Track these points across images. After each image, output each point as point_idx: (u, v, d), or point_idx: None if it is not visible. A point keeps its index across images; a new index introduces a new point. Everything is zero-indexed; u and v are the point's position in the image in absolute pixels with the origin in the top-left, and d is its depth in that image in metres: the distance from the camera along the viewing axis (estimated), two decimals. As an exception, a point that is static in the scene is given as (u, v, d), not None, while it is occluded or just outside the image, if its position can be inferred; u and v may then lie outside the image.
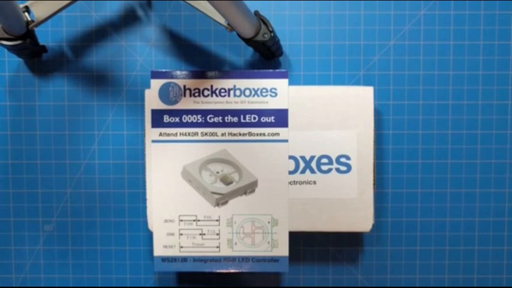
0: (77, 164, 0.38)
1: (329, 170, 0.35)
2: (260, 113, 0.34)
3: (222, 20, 0.33)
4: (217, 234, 0.34)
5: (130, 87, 0.38)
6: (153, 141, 0.34)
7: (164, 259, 0.34)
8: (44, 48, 0.37)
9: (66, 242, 0.39)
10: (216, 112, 0.34)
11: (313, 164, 0.35)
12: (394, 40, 0.38)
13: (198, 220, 0.34)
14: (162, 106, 0.34)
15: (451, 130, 0.38)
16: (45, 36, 0.38)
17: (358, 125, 0.35)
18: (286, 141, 0.34)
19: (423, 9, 0.38)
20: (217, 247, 0.34)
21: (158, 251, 0.34)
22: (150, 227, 0.35)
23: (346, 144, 0.35)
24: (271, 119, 0.34)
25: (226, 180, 0.34)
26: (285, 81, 0.34)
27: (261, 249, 0.34)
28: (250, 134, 0.34)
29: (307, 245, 0.39)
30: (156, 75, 0.34)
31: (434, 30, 0.38)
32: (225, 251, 0.34)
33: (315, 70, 0.38)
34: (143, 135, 0.36)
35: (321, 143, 0.35)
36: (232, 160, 0.34)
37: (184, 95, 0.34)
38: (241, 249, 0.34)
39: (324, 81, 0.38)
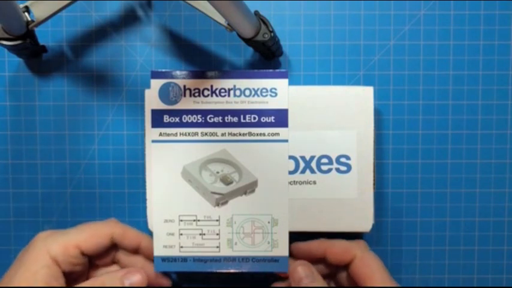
0: (77, 164, 0.38)
1: (329, 170, 0.35)
2: (260, 113, 0.34)
3: (222, 20, 0.33)
4: (217, 234, 0.34)
5: (130, 87, 0.38)
6: (153, 141, 0.34)
7: (164, 259, 0.34)
8: (44, 48, 0.37)
9: (66, 242, 0.39)
10: (216, 112, 0.34)
11: (313, 164, 0.35)
12: (394, 40, 0.38)
13: (198, 220, 0.34)
14: (162, 106, 0.34)
15: (451, 130, 0.38)
16: (45, 36, 0.38)
17: (358, 125, 0.35)
18: (286, 141, 0.34)
19: (423, 9, 0.38)
20: (217, 247, 0.34)
21: (158, 251, 0.34)
22: (150, 227, 0.35)
23: (346, 144, 0.35)
24: (271, 119, 0.34)
25: (226, 180, 0.34)
26: (285, 81, 0.34)
27: (261, 249, 0.34)
28: (250, 134, 0.34)
29: (307, 245, 0.38)
30: (156, 75, 0.34)
31: (434, 30, 0.38)
32: (225, 251, 0.34)
33: (315, 70, 0.38)
34: (143, 135, 0.36)
35: (321, 143, 0.35)
36: (232, 160, 0.34)
37: (184, 95, 0.34)
38: (241, 249, 0.34)
39: (324, 81, 0.38)
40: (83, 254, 0.32)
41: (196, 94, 0.34)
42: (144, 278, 0.33)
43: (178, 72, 0.34)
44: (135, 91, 0.38)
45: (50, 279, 0.30)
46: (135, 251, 0.34)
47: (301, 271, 0.32)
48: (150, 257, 0.34)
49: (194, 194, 0.34)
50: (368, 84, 0.37)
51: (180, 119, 0.34)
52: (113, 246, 0.34)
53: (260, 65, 0.38)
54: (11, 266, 0.32)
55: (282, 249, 0.34)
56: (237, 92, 0.34)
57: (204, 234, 0.34)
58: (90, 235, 0.32)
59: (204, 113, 0.34)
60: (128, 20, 0.38)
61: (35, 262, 0.31)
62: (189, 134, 0.34)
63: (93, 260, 0.34)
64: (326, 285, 0.32)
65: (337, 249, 0.33)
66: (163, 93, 0.34)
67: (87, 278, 0.35)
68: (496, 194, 0.38)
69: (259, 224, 0.34)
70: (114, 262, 0.35)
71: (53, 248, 0.31)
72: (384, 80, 0.38)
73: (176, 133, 0.34)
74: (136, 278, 0.32)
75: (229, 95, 0.34)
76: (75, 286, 0.31)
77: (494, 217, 0.39)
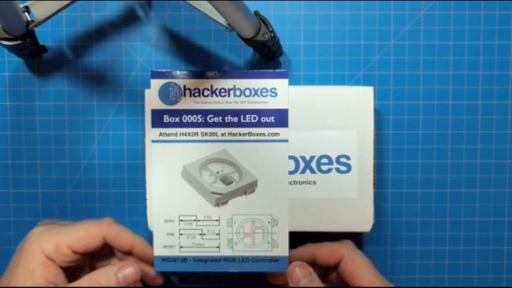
0: (77, 164, 0.38)
1: (329, 170, 0.35)
2: (260, 113, 0.34)
3: (222, 20, 0.33)
4: (217, 234, 0.34)
5: (130, 87, 0.38)
6: (153, 141, 0.34)
7: (164, 259, 0.34)
8: (44, 48, 0.37)
9: (66, 242, 0.39)
10: (216, 112, 0.34)
11: (313, 164, 0.35)
12: (394, 40, 0.38)
13: (198, 220, 0.34)
14: (162, 106, 0.34)
15: (451, 130, 0.38)
16: (45, 36, 0.38)
17: (358, 125, 0.35)
18: (286, 141, 0.34)
19: (423, 9, 0.38)
20: (217, 247, 0.34)
21: (158, 251, 0.34)
22: (150, 227, 0.35)
23: (346, 144, 0.35)
24: (271, 119, 0.34)
25: (226, 180, 0.34)
26: (285, 81, 0.34)
27: (261, 249, 0.34)
28: (250, 134, 0.34)
29: (307, 245, 0.38)
30: (156, 75, 0.34)
31: (434, 30, 0.38)
32: (225, 251, 0.34)
33: (315, 70, 0.38)
34: (143, 135, 0.36)
35: (321, 143, 0.35)
36: (232, 160, 0.34)
37: (184, 95, 0.34)
38: (241, 249, 0.34)
39: (324, 81, 0.38)
40: (75, 252, 0.32)
41: (196, 94, 0.34)
42: (137, 270, 0.33)
43: (178, 72, 0.34)
44: (135, 91, 0.38)
45: (48, 275, 0.31)
46: (128, 253, 0.34)
47: (299, 272, 0.33)
48: (142, 260, 0.34)
49: (194, 194, 0.34)
50: (368, 84, 0.37)
51: (180, 119, 0.34)
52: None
53: (260, 65, 0.38)
54: (9, 262, 0.32)
55: (282, 249, 0.34)
56: (237, 92, 0.34)
57: (204, 234, 0.34)
58: (82, 236, 0.33)
59: (204, 113, 0.34)
60: (128, 20, 0.38)
61: (31, 260, 0.31)
62: (189, 134, 0.34)
63: (92, 254, 0.35)
64: (323, 285, 0.33)
65: (325, 252, 0.34)
66: (163, 93, 0.34)
67: (90, 268, 0.35)
68: (496, 194, 0.38)
69: (259, 224, 0.34)
70: (113, 254, 0.36)
71: (45, 246, 0.32)
72: (384, 80, 0.38)
73: (176, 133, 0.34)
74: (128, 271, 0.32)
75: (229, 95, 0.34)
76: (71, 285, 0.31)
77: (494, 217, 0.39)
